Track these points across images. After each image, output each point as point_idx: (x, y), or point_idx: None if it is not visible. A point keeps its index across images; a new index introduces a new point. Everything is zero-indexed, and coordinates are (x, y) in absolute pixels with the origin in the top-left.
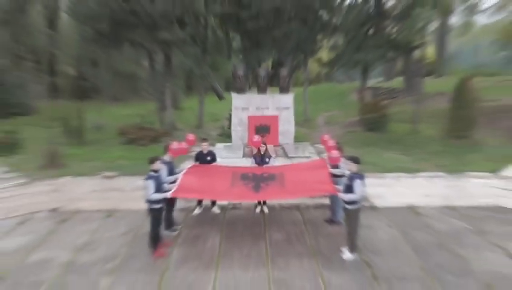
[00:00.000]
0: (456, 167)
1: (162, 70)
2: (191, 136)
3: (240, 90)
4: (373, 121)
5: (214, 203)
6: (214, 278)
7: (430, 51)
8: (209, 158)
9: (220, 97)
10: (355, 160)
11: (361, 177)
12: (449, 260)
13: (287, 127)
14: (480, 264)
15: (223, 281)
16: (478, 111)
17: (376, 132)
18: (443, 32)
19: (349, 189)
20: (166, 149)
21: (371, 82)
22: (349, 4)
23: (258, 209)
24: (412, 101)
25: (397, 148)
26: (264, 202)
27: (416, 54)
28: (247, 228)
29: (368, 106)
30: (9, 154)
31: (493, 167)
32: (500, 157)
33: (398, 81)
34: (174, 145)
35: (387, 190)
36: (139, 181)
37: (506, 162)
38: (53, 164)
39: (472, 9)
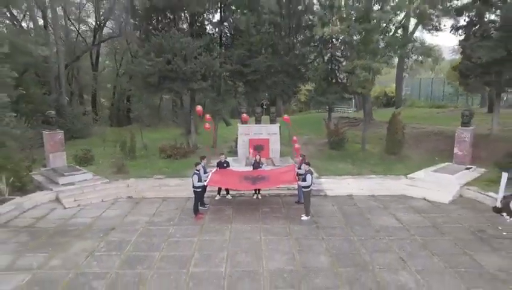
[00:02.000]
0: (384, 172)
1: (189, 107)
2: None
3: (244, 122)
4: (334, 142)
5: (227, 192)
6: (230, 228)
7: (391, 87)
8: (225, 165)
9: (228, 124)
10: (308, 164)
11: (311, 173)
12: (361, 220)
13: (275, 146)
14: (378, 222)
15: (234, 229)
16: (407, 135)
17: (336, 150)
18: (400, 72)
19: (304, 180)
20: (201, 159)
21: (349, 110)
22: (317, 63)
23: (254, 196)
24: (364, 127)
25: (348, 160)
26: (259, 191)
27: (374, 91)
28: (248, 206)
29: (332, 131)
30: (88, 165)
31: (407, 172)
32: (415, 166)
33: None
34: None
35: (336, 186)
36: (178, 180)
37: (417, 169)
38: (121, 171)
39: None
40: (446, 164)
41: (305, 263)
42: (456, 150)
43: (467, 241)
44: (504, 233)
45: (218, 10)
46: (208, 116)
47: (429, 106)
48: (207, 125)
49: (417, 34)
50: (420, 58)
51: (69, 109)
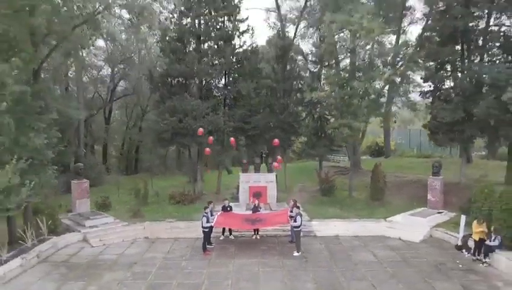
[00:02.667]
0: (367, 216)
1: (196, 158)
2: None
3: (244, 171)
4: (325, 189)
5: (230, 233)
6: (233, 262)
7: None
8: (228, 209)
9: (229, 172)
10: (298, 207)
11: (300, 215)
12: (343, 256)
13: (272, 193)
14: (357, 257)
15: (236, 263)
16: (390, 183)
17: (327, 196)
18: (386, 125)
19: (295, 221)
20: (209, 203)
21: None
22: (308, 120)
23: (254, 237)
24: (350, 176)
25: (337, 206)
26: (257, 232)
27: (366, 141)
28: (248, 244)
29: (323, 180)
30: (107, 210)
31: (387, 216)
32: (395, 211)
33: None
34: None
35: (325, 228)
36: (187, 223)
37: (396, 213)
38: (137, 215)
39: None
40: (422, 208)
41: (294, 288)
42: (429, 197)
43: (429, 272)
44: (460, 265)
45: (223, 77)
46: (210, 138)
47: (417, 156)
48: (207, 149)
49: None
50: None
51: (85, 160)
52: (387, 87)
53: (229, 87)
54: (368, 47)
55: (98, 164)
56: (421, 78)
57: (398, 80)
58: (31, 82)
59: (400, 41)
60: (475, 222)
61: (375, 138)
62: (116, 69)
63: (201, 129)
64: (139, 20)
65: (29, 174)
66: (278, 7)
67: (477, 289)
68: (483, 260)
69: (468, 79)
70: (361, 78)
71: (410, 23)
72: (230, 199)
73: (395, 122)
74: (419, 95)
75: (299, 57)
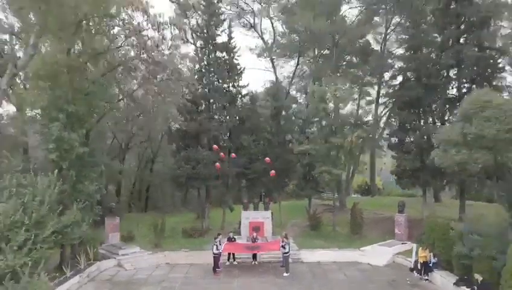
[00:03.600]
0: (346, 247)
1: (204, 197)
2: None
3: (245, 209)
4: (313, 225)
5: (234, 259)
6: (237, 280)
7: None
8: (233, 239)
9: (232, 210)
10: (287, 238)
11: (289, 244)
12: (322, 276)
13: (268, 227)
14: (333, 277)
15: (240, 280)
16: (369, 219)
17: (314, 231)
18: (372, 166)
19: (284, 248)
20: (218, 235)
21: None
22: (298, 166)
23: (253, 262)
24: (334, 213)
25: (322, 238)
26: (255, 257)
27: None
28: (248, 268)
29: (311, 217)
30: (132, 242)
31: (362, 246)
32: (369, 242)
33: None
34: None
35: (310, 256)
36: (199, 252)
37: (369, 244)
38: (157, 246)
39: None
40: (390, 240)
41: None
42: (396, 230)
43: (384, 286)
44: (408, 282)
45: (228, 133)
46: (215, 146)
47: (401, 195)
48: (217, 165)
49: None
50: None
51: (106, 199)
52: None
53: (232, 140)
54: (343, 110)
55: (118, 202)
56: (387, 134)
57: (367, 136)
58: (87, 143)
59: (381, 92)
60: (420, 248)
61: (365, 178)
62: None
63: (215, 146)
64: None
65: (85, 213)
66: (274, 68)
67: None
68: (425, 278)
69: (422, 136)
70: (337, 135)
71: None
72: (233, 231)
73: (366, 169)
74: (387, 147)
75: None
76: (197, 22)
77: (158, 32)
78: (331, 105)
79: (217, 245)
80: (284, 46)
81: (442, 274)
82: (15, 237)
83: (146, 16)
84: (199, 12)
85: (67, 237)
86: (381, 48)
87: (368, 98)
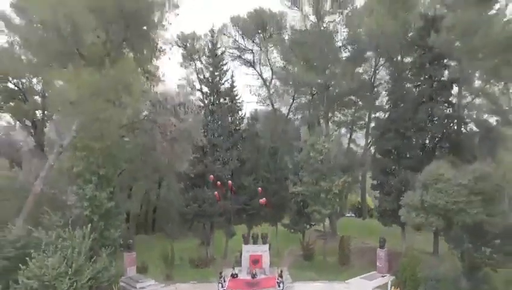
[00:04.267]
0: (334, 278)
1: (209, 227)
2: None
3: (246, 242)
4: (306, 255)
5: None
6: None
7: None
8: (235, 276)
9: (233, 235)
10: (282, 277)
11: (283, 282)
12: None
13: (266, 260)
14: None
15: None
16: (356, 249)
17: (308, 260)
18: (363, 192)
19: (279, 285)
20: (220, 273)
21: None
22: (292, 203)
23: None
24: (325, 242)
25: (314, 269)
26: None
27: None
28: None
29: (304, 247)
30: (146, 273)
31: (347, 278)
32: (355, 273)
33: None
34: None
35: (303, 287)
36: (206, 284)
37: (355, 275)
38: (168, 278)
39: None
40: (373, 272)
41: None
42: (377, 263)
43: None
44: None
45: (231, 173)
46: (218, 182)
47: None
48: (217, 194)
49: None
50: None
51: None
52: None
53: (234, 180)
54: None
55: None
56: (369, 176)
57: (353, 180)
58: (112, 197)
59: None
60: (393, 287)
61: (357, 197)
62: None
63: (212, 176)
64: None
65: (111, 257)
66: (273, 104)
67: None
68: None
69: (400, 181)
70: (326, 180)
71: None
72: (234, 263)
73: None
74: (371, 188)
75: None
76: (202, 66)
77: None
78: (321, 153)
79: (221, 283)
80: (281, 83)
81: None
82: (60, 285)
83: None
84: (203, 60)
85: (99, 281)
86: (371, 80)
87: (360, 133)
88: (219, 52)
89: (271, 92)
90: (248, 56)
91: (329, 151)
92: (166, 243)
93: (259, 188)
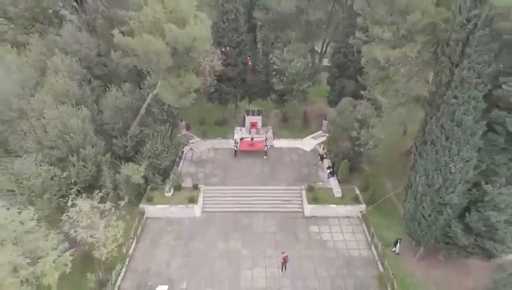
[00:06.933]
0: (296, 137)
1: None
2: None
3: (247, 114)
4: (283, 118)
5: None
6: (245, 161)
7: None
8: (242, 138)
9: (237, 108)
10: (267, 139)
11: (267, 146)
12: (278, 156)
13: (259, 123)
14: (284, 159)
15: (246, 160)
16: (314, 114)
17: (284, 122)
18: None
19: (265, 146)
20: (233, 139)
21: None
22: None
23: (264, 157)
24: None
25: (288, 129)
26: (266, 154)
27: None
28: (250, 156)
29: (283, 113)
30: (189, 130)
31: (304, 136)
32: (309, 132)
33: None
34: None
35: (278, 143)
36: (227, 140)
37: (309, 134)
38: (204, 134)
39: None
40: (319, 132)
41: (262, 167)
42: (322, 128)
43: (303, 164)
44: (314, 163)
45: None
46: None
47: None
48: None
49: None
50: None
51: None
52: None
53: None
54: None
55: None
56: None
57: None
58: None
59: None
60: (322, 146)
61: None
62: None
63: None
64: None
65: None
66: None
67: (313, 168)
68: (319, 162)
69: (341, 85)
70: (297, 84)
71: None
72: (239, 125)
73: None
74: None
75: None
76: None
77: None
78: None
79: (236, 145)
80: None
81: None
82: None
83: None
84: None
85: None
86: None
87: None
88: None
89: None
90: None
91: (300, 66)
92: (199, 109)
93: (249, 61)
